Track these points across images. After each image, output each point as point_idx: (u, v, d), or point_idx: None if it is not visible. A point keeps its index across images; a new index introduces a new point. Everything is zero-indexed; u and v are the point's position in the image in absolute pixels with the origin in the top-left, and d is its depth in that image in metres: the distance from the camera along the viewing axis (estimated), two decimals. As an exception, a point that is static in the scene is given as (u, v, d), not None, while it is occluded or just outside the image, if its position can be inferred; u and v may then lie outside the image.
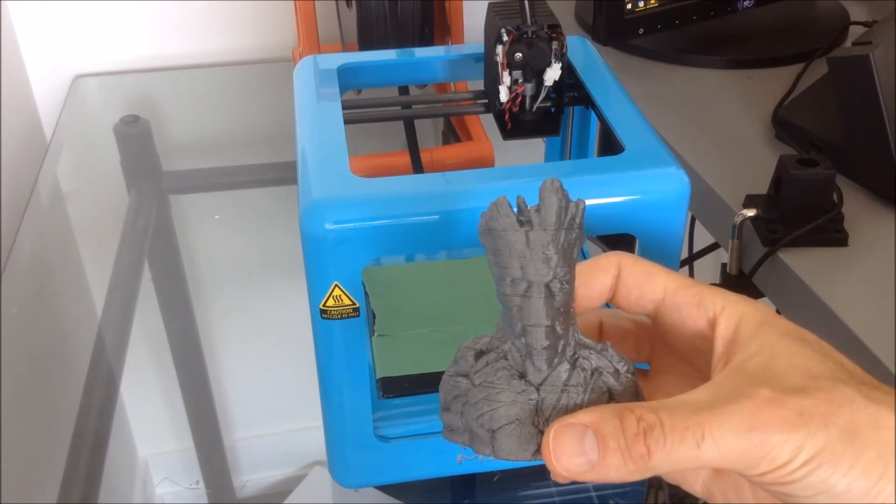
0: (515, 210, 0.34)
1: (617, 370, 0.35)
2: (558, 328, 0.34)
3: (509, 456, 0.34)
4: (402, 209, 0.48)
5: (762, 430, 0.30)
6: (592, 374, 0.34)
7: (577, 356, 0.35)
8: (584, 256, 0.70)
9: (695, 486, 0.38)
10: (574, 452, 0.32)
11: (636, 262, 0.37)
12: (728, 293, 0.36)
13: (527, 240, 0.34)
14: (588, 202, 0.49)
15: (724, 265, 0.65)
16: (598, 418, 0.32)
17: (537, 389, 0.34)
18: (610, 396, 0.34)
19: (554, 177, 0.34)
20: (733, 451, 0.30)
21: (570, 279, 0.34)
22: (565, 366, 0.34)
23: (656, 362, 0.41)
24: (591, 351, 0.35)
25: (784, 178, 0.61)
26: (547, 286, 0.33)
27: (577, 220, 0.34)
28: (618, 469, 0.31)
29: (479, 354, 0.35)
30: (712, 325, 0.35)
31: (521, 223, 0.34)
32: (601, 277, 0.37)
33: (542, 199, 0.34)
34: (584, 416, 0.32)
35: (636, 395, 0.35)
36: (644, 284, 0.37)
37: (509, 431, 0.34)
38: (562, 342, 0.34)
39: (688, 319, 0.36)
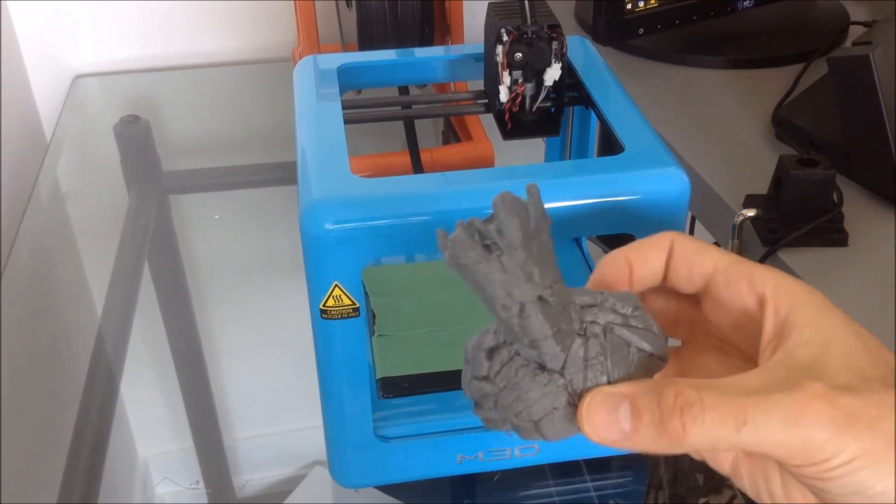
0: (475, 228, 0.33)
1: (624, 316, 0.34)
2: (563, 325, 0.33)
3: (560, 437, 0.34)
4: (402, 209, 0.48)
5: (808, 424, 0.30)
6: (606, 334, 0.34)
7: (584, 325, 0.34)
8: (583, 252, 0.70)
9: (723, 465, 0.37)
10: (607, 422, 0.32)
11: (688, 240, 0.37)
12: (782, 274, 0.35)
13: (502, 266, 0.32)
14: (588, 202, 0.50)
15: (724, 265, 0.65)
16: (636, 391, 0.32)
17: (561, 374, 0.33)
18: (629, 346, 0.34)
19: (503, 191, 0.33)
20: (773, 440, 0.30)
21: (556, 276, 0.33)
22: (578, 341, 0.34)
23: (697, 341, 0.40)
24: (595, 309, 0.34)
25: (784, 178, 0.61)
26: (539, 298, 0.33)
27: (539, 215, 0.33)
28: (652, 442, 0.31)
29: (491, 352, 0.35)
30: (762, 303, 0.35)
31: (487, 248, 0.32)
32: (657, 254, 0.37)
33: (501, 221, 0.32)
34: (623, 388, 0.33)
35: (650, 328, 0.35)
36: (695, 259, 0.37)
37: (551, 419, 0.34)
38: (567, 328, 0.34)
39: (736, 296, 0.36)
